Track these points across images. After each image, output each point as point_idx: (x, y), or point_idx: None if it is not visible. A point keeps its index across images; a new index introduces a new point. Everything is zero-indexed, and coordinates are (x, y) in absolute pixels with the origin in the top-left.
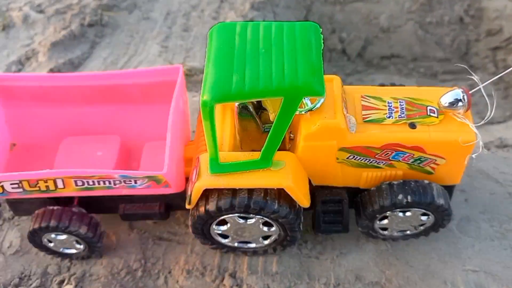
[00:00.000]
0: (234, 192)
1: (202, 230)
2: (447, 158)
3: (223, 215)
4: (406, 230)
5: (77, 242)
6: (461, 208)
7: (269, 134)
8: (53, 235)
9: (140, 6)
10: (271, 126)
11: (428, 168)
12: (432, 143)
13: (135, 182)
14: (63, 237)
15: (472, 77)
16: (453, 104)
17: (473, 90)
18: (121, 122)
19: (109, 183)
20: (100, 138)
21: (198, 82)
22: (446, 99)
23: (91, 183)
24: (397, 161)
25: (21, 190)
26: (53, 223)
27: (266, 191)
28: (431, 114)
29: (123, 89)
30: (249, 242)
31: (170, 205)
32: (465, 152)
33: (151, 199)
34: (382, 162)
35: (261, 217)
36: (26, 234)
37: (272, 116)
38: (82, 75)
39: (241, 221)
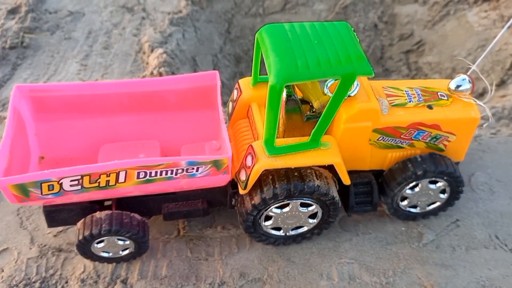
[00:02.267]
0: (287, 178)
1: (254, 226)
2: (458, 134)
3: (278, 203)
4: (433, 202)
5: (123, 245)
6: None
7: (321, 115)
8: (101, 242)
9: (62, 27)
10: (311, 115)
11: (441, 146)
12: (447, 120)
13: (197, 170)
14: (112, 241)
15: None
16: (460, 86)
17: (469, 72)
18: (156, 128)
19: (171, 173)
20: (139, 144)
21: None
22: (454, 84)
23: (153, 174)
24: (417, 140)
25: (79, 187)
26: (104, 227)
27: (316, 174)
28: (442, 98)
29: (159, 96)
30: (301, 227)
31: (211, 202)
32: (472, 128)
33: (193, 197)
34: (405, 142)
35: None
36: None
37: (316, 103)
38: (116, 82)
39: (278, 211)
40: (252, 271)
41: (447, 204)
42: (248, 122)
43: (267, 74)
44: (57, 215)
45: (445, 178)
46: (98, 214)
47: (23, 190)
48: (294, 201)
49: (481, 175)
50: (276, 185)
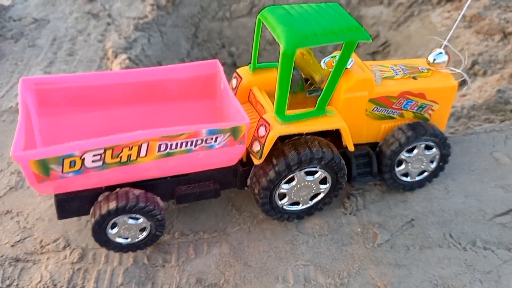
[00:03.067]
0: (296, 149)
1: (271, 206)
2: (440, 103)
3: (290, 174)
4: (422, 172)
5: (137, 225)
6: None
7: (327, 83)
8: (118, 221)
9: (26, 34)
10: (313, 90)
11: (426, 115)
12: (430, 89)
13: (215, 141)
14: (126, 222)
15: None
16: (438, 59)
17: (442, 46)
18: (159, 118)
19: (191, 144)
20: None
21: None
22: (432, 57)
23: (173, 146)
24: (406, 110)
25: (100, 163)
26: (121, 203)
27: (320, 143)
28: (423, 71)
29: (162, 85)
30: (317, 195)
31: (221, 183)
32: (452, 96)
33: (205, 178)
34: (396, 112)
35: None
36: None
37: (318, 76)
38: (120, 72)
39: (287, 186)
40: (208, 276)
41: (434, 173)
42: (251, 105)
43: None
44: (68, 205)
45: (435, 140)
46: (111, 194)
47: (44, 167)
48: (298, 173)
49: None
50: (288, 156)
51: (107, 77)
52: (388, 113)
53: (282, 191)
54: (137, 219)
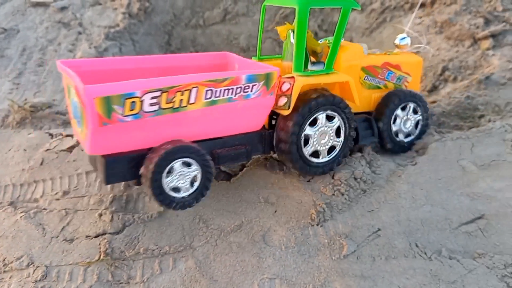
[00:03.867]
0: (317, 94)
1: (299, 155)
2: (412, 75)
3: (313, 114)
4: (409, 134)
5: (190, 172)
6: (270, 219)
7: (331, 46)
8: (173, 166)
9: None
10: (315, 62)
11: (403, 86)
12: (404, 62)
13: (251, 90)
14: (180, 168)
15: None
16: (402, 42)
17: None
18: None
19: (231, 93)
20: None
21: (43, 118)
22: (398, 40)
23: (217, 93)
24: (388, 81)
25: (156, 108)
26: (177, 144)
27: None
28: (393, 51)
29: (181, 71)
30: (333, 148)
31: (251, 148)
32: (419, 70)
33: (237, 142)
34: (381, 82)
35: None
36: None
37: (319, 48)
38: (146, 57)
39: (312, 128)
40: None
41: (418, 136)
42: None
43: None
44: (117, 166)
45: (417, 103)
46: (164, 143)
47: (107, 107)
48: (321, 113)
49: (404, 184)
50: (310, 100)
51: (134, 61)
52: (376, 83)
53: (307, 132)
54: (190, 165)
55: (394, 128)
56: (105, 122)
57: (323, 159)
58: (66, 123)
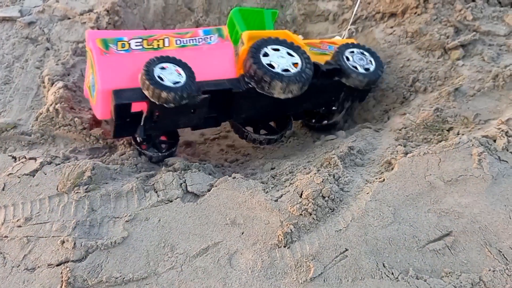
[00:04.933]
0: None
1: (274, 72)
2: None
3: (262, 49)
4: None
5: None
6: (237, 241)
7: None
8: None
9: None
10: None
11: None
12: (338, 40)
13: (210, 39)
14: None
15: None
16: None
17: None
18: None
19: (196, 41)
20: None
21: (8, 139)
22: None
23: (185, 41)
24: (332, 50)
25: (141, 47)
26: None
27: None
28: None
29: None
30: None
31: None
32: None
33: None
34: (326, 51)
35: None
36: None
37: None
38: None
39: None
40: None
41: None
42: None
43: None
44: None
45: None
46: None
47: (105, 44)
48: (266, 48)
49: (372, 201)
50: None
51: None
52: (322, 51)
53: (265, 62)
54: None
55: (350, 64)
56: (105, 52)
57: (293, 70)
58: (32, 144)
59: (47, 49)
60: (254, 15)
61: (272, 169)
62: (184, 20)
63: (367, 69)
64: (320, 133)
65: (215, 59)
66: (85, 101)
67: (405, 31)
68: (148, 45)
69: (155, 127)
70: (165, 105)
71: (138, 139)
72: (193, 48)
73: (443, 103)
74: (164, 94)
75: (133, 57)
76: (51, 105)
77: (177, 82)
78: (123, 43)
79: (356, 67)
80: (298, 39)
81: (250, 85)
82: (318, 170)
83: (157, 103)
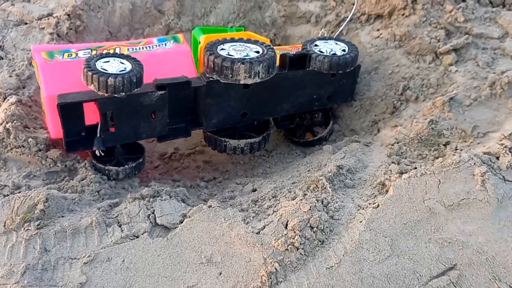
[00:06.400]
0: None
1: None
2: None
3: (219, 46)
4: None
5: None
6: (214, 284)
7: None
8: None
9: None
10: None
11: None
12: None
13: (165, 45)
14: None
15: None
16: None
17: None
18: None
19: (149, 47)
20: None
21: None
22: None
23: (137, 48)
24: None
25: (89, 54)
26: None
27: None
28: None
29: None
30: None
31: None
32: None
33: None
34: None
35: None
36: None
37: None
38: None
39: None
40: None
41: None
42: None
43: None
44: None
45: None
46: None
47: (50, 55)
48: (222, 44)
49: (366, 231)
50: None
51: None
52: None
53: (223, 53)
54: None
55: (317, 49)
56: (49, 61)
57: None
58: None
59: (0, 58)
60: (217, 32)
61: (253, 190)
62: (154, 24)
63: (334, 54)
64: (305, 148)
65: (171, 61)
66: (42, 118)
67: (393, 34)
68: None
69: (114, 137)
70: (115, 95)
71: (97, 153)
72: (146, 52)
73: (438, 114)
74: (111, 80)
75: (80, 63)
76: (1, 124)
77: (123, 70)
78: (70, 53)
79: (322, 52)
80: (262, 38)
81: (212, 78)
82: (305, 195)
83: (106, 94)
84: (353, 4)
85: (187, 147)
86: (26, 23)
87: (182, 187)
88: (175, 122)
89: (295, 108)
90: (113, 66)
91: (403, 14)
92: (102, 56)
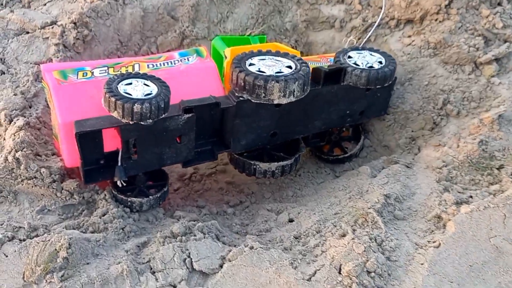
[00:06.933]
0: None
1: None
2: None
3: (247, 60)
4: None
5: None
6: None
7: None
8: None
9: None
10: None
11: None
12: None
13: (188, 60)
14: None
15: None
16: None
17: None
18: None
19: (170, 63)
20: None
21: None
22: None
23: (158, 65)
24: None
25: (106, 74)
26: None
27: None
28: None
29: None
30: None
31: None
32: None
33: None
34: (327, 64)
35: None
36: None
37: None
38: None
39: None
40: None
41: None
42: None
43: None
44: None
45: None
46: None
47: (63, 75)
48: (251, 58)
49: (430, 275)
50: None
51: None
52: (323, 64)
53: (252, 68)
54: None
55: (352, 61)
56: (62, 82)
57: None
58: None
59: (2, 73)
60: (239, 42)
61: (290, 221)
62: (167, 31)
63: (371, 67)
64: (333, 165)
65: (195, 78)
66: (52, 141)
67: (427, 41)
68: (115, 72)
69: (136, 165)
70: (142, 122)
71: (118, 183)
72: (169, 69)
73: (487, 134)
74: (137, 107)
75: (97, 84)
76: (9, 152)
77: (149, 94)
78: (85, 72)
79: (357, 64)
80: (290, 49)
81: (242, 98)
82: (354, 231)
83: (131, 122)
84: (381, 8)
85: (208, 166)
86: (28, 32)
87: (212, 218)
88: (199, 145)
89: (327, 125)
90: (137, 89)
91: (436, 19)
92: (123, 77)
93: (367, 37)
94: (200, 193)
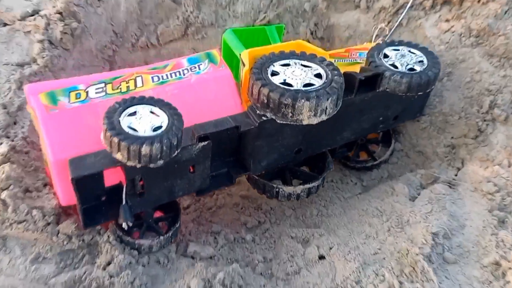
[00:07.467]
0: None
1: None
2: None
3: (269, 66)
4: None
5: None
6: None
7: None
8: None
9: None
10: None
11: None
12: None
13: (199, 68)
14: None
15: None
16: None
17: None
18: None
19: (179, 73)
20: None
21: None
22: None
23: (165, 77)
24: (363, 57)
25: (103, 93)
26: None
27: None
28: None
29: None
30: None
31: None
32: None
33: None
34: (357, 60)
35: None
36: None
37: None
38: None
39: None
40: None
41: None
42: None
43: None
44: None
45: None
46: None
47: (52, 98)
48: (273, 65)
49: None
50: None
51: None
52: (351, 61)
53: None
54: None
55: (388, 62)
56: (52, 109)
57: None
58: None
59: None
60: (254, 34)
61: (321, 258)
62: (169, 18)
63: (411, 69)
64: (360, 173)
65: (209, 92)
66: (44, 166)
67: (468, 27)
68: (114, 90)
69: (143, 201)
70: (151, 165)
71: (124, 225)
72: (178, 83)
73: None
74: (145, 149)
75: (93, 109)
76: None
77: (159, 127)
78: (78, 93)
79: (395, 66)
80: (317, 49)
81: (265, 118)
82: (401, 284)
83: (138, 166)
84: None
85: None
86: (5, 24)
87: (229, 249)
88: (214, 167)
89: (357, 134)
90: (144, 121)
91: (479, 1)
92: (126, 105)
93: (399, 20)
94: (213, 211)
